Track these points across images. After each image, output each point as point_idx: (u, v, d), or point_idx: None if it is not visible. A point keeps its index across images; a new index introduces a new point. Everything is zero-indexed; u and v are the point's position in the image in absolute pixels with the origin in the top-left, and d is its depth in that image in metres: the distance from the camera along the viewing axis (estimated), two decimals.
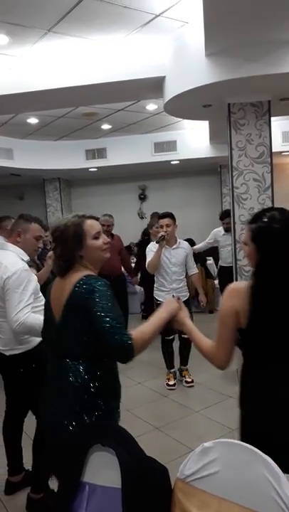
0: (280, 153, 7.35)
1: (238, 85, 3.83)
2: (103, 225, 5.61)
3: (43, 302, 2.52)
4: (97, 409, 1.69)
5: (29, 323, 2.30)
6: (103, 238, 1.88)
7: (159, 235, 4.10)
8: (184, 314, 1.89)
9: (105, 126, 7.10)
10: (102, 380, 1.72)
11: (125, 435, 1.57)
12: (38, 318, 2.30)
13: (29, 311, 2.33)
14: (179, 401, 4.00)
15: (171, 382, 4.26)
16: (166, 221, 4.17)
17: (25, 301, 2.34)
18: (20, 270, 2.40)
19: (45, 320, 1.92)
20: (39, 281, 2.71)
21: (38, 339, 2.44)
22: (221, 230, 5.96)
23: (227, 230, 5.80)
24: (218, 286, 6.71)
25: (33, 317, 2.32)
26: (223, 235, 5.92)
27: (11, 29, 3.71)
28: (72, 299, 1.69)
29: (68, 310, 1.71)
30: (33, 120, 6.42)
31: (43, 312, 2.47)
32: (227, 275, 6.06)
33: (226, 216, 5.76)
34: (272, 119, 4.36)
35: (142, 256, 6.08)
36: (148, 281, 5.79)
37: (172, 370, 4.39)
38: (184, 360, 4.41)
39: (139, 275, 6.87)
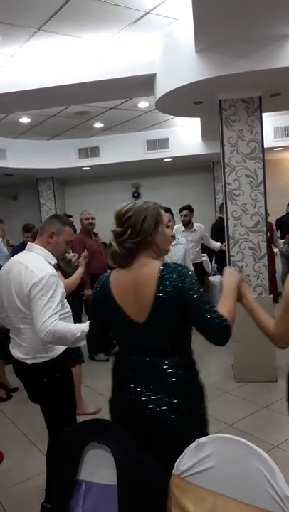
0: (272, 149, 7.37)
1: (229, 81, 3.83)
2: (87, 219, 5.55)
3: (68, 309, 2.43)
4: (203, 399, 1.73)
5: (59, 332, 2.11)
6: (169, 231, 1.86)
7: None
8: (246, 286, 1.86)
9: (97, 125, 7.08)
10: (195, 370, 1.76)
11: (119, 432, 1.57)
12: (68, 326, 2.18)
13: (57, 318, 2.14)
14: None
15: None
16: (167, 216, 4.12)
17: (53, 308, 2.14)
18: (49, 275, 2.18)
19: (117, 320, 1.75)
20: (69, 287, 2.56)
21: (62, 348, 2.33)
22: (180, 226, 6.02)
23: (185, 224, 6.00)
24: (212, 283, 6.71)
25: (62, 325, 2.14)
26: (183, 231, 5.96)
27: (1, 28, 3.69)
28: (161, 291, 1.61)
29: (157, 304, 1.62)
30: (25, 119, 6.39)
31: (70, 319, 2.39)
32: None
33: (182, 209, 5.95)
34: (264, 115, 4.37)
35: None
36: None
37: None
38: None
39: None
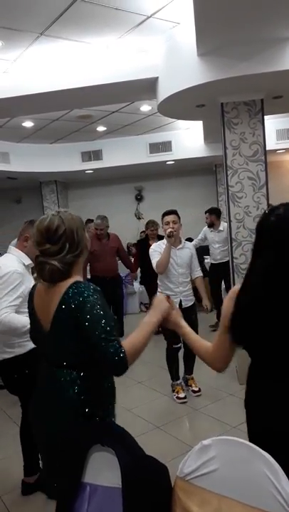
0: (274, 151, 7.38)
1: (231, 84, 3.85)
2: (96, 229, 5.65)
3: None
4: (94, 415, 1.69)
5: (9, 322, 2.33)
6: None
7: (168, 231, 3.88)
8: (178, 314, 1.80)
9: (100, 128, 7.11)
10: (98, 385, 1.70)
11: (124, 434, 1.57)
12: (19, 319, 2.36)
13: (10, 311, 2.35)
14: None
15: (182, 395, 3.99)
16: (172, 217, 3.96)
17: (9, 301, 2.36)
18: (12, 272, 2.42)
19: (32, 326, 1.84)
20: None
21: (31, 345, 2.40)
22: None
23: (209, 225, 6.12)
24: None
25: (13, 317, 2.35)
26: (211, 231, 6.02)
27: (3, 33, 3.72)
28: (61, 311, 1.61)
29: (57, 321, 1.63)
30: (28, 123, 6.42)
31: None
32: (217, 273, 6.18)
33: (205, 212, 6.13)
34: (266, 117, 4.38)
35: (141, 254, 6.02)
36: (149, 280, 5.71)
37: (179, 382, 4.11)
38: (190, 369, 4.18)
39: (139, 272, 6.80)
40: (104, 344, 1.51)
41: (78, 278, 1.68)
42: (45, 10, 3.39)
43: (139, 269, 6.70)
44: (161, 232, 4.91)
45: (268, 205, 4.23)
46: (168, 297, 1.82)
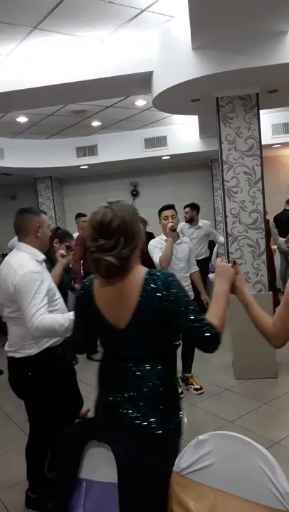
0: (270, 145, 7.37)
1: (226, 78, 3.83)
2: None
3: (59, 303, 2.45)
4: (178, 409, 1.71)
5: (46, 326, 2.17)
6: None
7: (169, 225, 3.85)
8: (243, 280, 1.76)
9: (95, 123, 7.07)
10: (172, 377, 1.74)
11: (120, 430, 1.57)
12: (55, 318, 2.22)
13: (43, 313, 2.18)
14: None
15: (178, 391, 3.99)
16: (171, 212, 3.95)
17: (38, 304, 2.18)
18: (30, 273, 2.24)
19: (96, 325, 1.74)
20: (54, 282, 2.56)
21: (41, 347, 2.36)
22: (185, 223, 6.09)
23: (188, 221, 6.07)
24: (212, 281, 6.71)
25: (48, 318, 2.19)
26: (189, 227, 6.00)
27: None
28: (142, 302, 1.56)
29: (139, 314, 1.58)
30: (22, 119, 6.38)
31: (60, 312, 2.39)
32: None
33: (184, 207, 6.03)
34: (262, 112, 4.37)
35: None
36: None
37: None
38: (189, 367, 4.17)
39: None
40: (197, 325, 1.54)
41: (144, 267, 1.64)
42: (38, 3, 3.36)
43: None
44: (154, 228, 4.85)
45: (264, 200, 4.23)
46: (234, 262, 1.78)
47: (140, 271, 1.62)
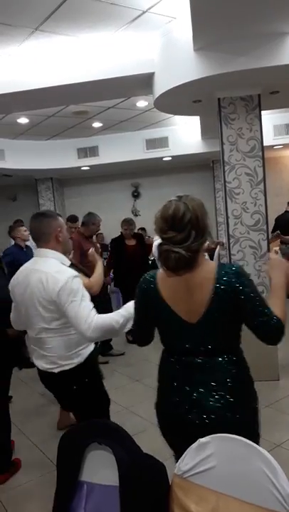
0: (271, 146, 7.36)
1: (228, 79, 3.82)
2: (99, 226, 5.43)
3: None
4: (256, 394, 1.74)
5: (103, 324, 2.09)
6: None
7: None
8: None
9: (96, 124, 7.08)
10: (245, 370, 1.77)
11: (121, 432, 1.56)
12: (109, 316, 2.15)
13: (95, 314, 2.11)
14: None
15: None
16: None
17: (88, 305, 2.12)
18: (72, 277, 2.15)
19: (164, 320, 1.73)
20: (92, 288, 2.48)
21: (88, 352, 2.30)
22: None
23: None
24: None
25: (104, 317, 2.12)
26: None
27: None
28: (217, 296, 1.59)
29: (214, 307, 1.61)
30: (23, 120, 6.39)
31: None
32: None
33: None
34: (264, 112, 4.36)
35: (116, 252, 5.71)
36: (125, 281, 5.46)
37: None
38: None
39: (111, 274, 6.13)
40: (266, 318, 1.57)
41: (212, 261, 1.67)
42: (40, 5, 3.36)
43: (112, 271, 6.04)
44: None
45: (266, 201, 4.22)
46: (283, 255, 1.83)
47: (211, 264, 1.67)
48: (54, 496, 1.73)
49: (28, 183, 9.18)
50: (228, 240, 4.29)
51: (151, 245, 5.89)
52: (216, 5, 2.99)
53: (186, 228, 1.56)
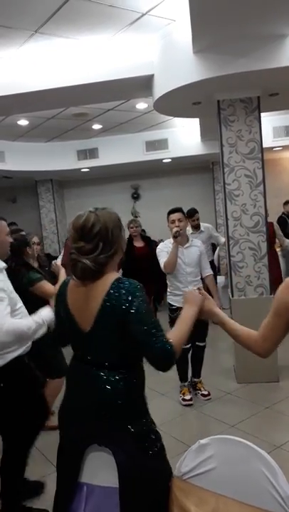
0: (271, 148, 7.37)
1: (227, 82, 3.83)
2: None
3: (23, 310, 2.39)
4: (141, 417, 1.64)
5: (13, 330, 2.11)
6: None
7: (174, 230, 3.76)
8: (211, 303, 1.75)
9: (96, 126, 7.08)
10: (138, 388, 1.67)
11: (120, 434, 1.56)
12: (20, 322, 2.19)
13: (8, 318, 2.13)
14: (176, 399, 4.00)
15: (188, 397, 3.91)
16: (178, 215, 3.86)
17: (2, 310, 2.12)
18: None
19: (67, 326, 1.73)
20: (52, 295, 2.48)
21: (9, 357, 2.26)
22: (189, 229, 5.99)
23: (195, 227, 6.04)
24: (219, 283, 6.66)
25: (14, 323, 2.15)
26: (192, 233, 5.90)
27: None
28: (105, 308, 1.57)
29: (101, 319, 1.59)
30: (23, 122, 6.39)
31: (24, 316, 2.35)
32: None
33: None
34: (263, 114, 4.36)
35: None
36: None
37: (187, 383, 4.02)
38: (198, 372, 4.10)
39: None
40: (154, 339, 1.50)
41: (116, 274, 1.65)
42: (39, 7, 3.37)
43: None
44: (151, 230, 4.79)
45: (265, 203, 4.23)
46: (198, 289, 1.83)
47: (110, 277, 1.62)
48: (54, 497, 1.73)
49: (28, 184, 9.19)
50: (228, 241, 4.29)
51: None
52: (216, 7, 3.00)
53: (94, 239, 1.59)
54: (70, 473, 1.62)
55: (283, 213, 7.49)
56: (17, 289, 2.43)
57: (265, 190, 4.22)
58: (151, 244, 5.96)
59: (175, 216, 3.88)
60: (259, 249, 4.23)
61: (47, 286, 3.14)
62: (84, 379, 1.65)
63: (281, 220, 7.24)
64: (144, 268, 5.07)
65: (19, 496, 2.45)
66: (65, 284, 1.76)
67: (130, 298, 1.54)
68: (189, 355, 4.05)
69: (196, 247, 3.97)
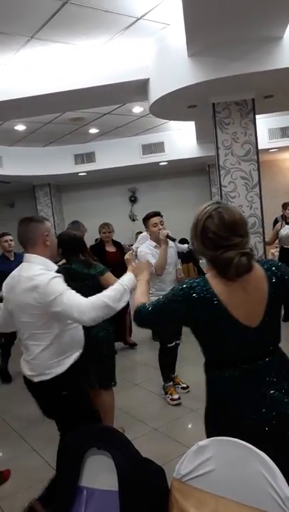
0: (266, 150, 7.40)
1: (222, 84, 3.85)
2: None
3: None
4: None
5: (92, 303, 2.06)
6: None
7: (164, 232, 3.79)
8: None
9: (93, 131, 7.11)
10: None
11: (120, 437, 1.57)
12: (96, 295, 2.11)
13: (82, 297, 2.07)
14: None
15: (176, 396, 3.93)
16: (159, 218, 3.92)
17: (73, 294, 2.09)
18: (51, 278, 2.12)
19: (226, 330, 1.56)
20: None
21: (68, 363, 2.23)
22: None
23: None
24: None
25: (89, 298, 2.08)
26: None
27: None
28: (273, 290, 1.56)
29: (271, 303, 1.56)
30: (20, 127, 6.41)
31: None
32: None
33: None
34: (259, 116, 4.40)
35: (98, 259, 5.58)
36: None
37: (171, 383, 4.00)
38: (173, 368, 4.10)
39: None
40: None
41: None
42: (35, 13, 3.39)
43: None
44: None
45: (261, 204, 4.24)
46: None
47: (256, 264, 1.62)
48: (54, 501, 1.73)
49: (25, 189, 9.20)
50: None
51: None
52: (209, 11, 3.03)
53: (247, 232, 1.59)
54: (70, 477, 1.63)
55: (281, 216, 7.47)
56: (85, 279, 2.66)
57: (261, 192, 4.24)
58: (123, 249, 5.83)
59: (157, 219, 3.91)
60: (256, 250, 4.24)
61: (112, 277, 3.02)
62: (266, 373, 1.58)
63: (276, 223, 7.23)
64: (117, 273, 5.02)
65: None
66: (200, 288, 1.56)
67: (279, 267, 1.61)
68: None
69: (172, 247, 4.07)
